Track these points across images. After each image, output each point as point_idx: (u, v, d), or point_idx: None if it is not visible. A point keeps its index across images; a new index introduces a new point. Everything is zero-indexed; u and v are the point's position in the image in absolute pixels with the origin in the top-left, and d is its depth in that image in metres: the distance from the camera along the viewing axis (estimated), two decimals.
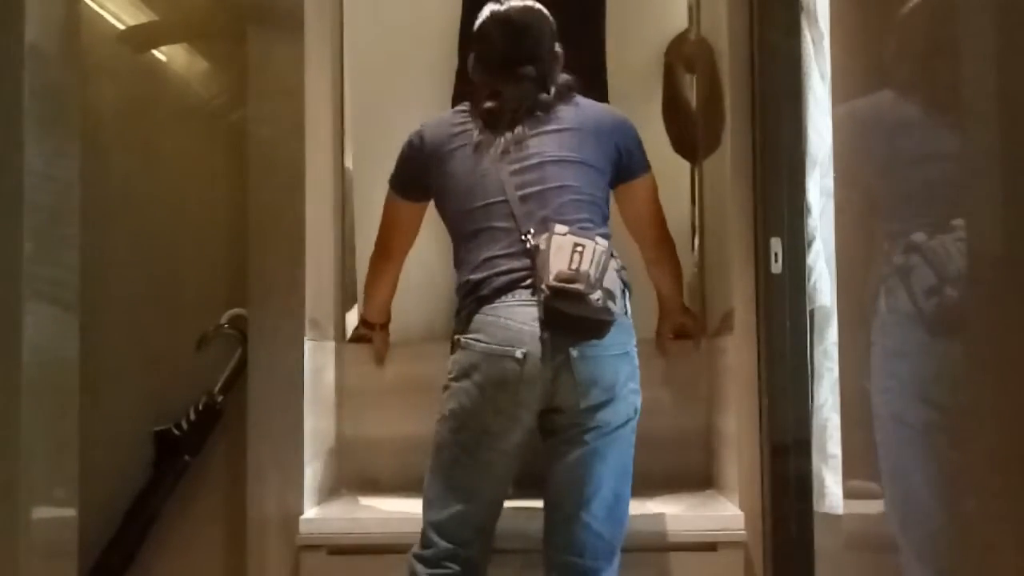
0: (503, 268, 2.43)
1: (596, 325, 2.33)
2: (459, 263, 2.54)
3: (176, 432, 3.10)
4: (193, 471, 3.13)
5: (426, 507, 2.48)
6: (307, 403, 2.81)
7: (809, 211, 2.54)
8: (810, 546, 2.52)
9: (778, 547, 2.64)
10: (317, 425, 2.91)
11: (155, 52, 3.38)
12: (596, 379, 2.36)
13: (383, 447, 3.16)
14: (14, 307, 1.74)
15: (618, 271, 2.43)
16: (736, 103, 2.81)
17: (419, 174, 2.64)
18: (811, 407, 2.52)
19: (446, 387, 2.45)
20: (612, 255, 2.42)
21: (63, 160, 1.89)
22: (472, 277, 2.46)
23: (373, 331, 3.13)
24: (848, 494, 2.10)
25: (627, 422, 2.42)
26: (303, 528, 2.73)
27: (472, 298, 2.44)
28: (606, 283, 2.34)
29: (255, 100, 2.88)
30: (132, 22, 3.33)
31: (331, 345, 3.13)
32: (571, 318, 2.32)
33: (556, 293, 2.31)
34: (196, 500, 3.15)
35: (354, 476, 3.18)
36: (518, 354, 2.35)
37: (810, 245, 2.54)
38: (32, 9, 1.78)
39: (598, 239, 2.38)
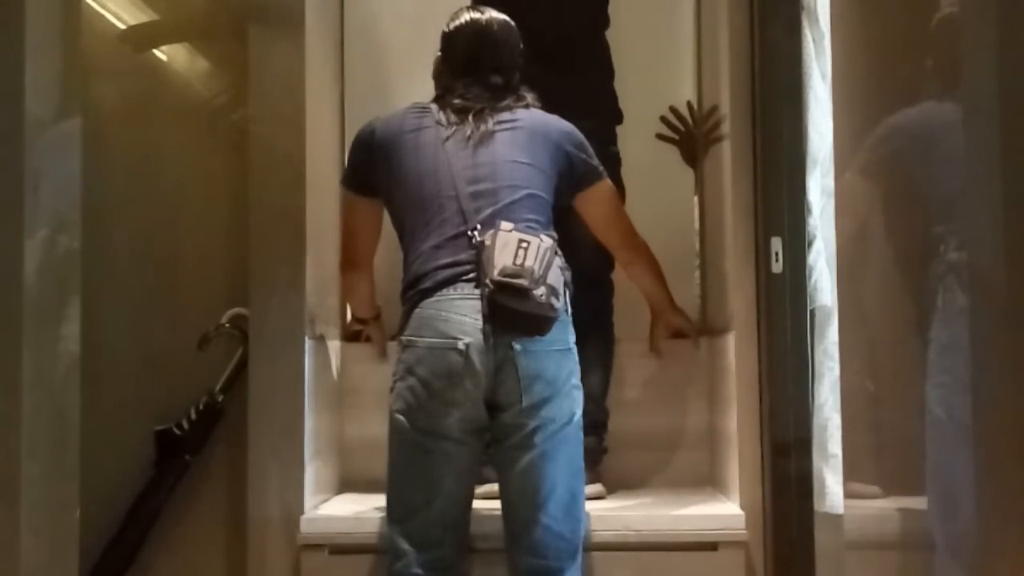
0: (447, 261, 2.46)
1: (539, 321, 2.36)
2: (406, 256, 2.57)
3: (177, 431, 3.10)
4: (194, 471, 3.13)
5: (391, 517, 2.50)
6: (308, 402, 2.80)
7: (810, 211, 2.54)
8: (811, 545, 2.52)
9: (779, 546, 2.64)
10: (318, 424, 2.91)
11: (155, 52, 3.38)
12: (539, 373, 2.40)
13: (384, 446, 3.16)
14: (15, 307, 1.74)
15: (561, 269, 2.45)
16: (736, 103, 2.81)
17: (368, 167, 2.67)
18: (812, 407, 2.52)
19: (391, 389, 2.48)
20: (556, 253, 2.44)
21: (64, 160, 1.88)
22: (416, 269, 2.49)
23: (367, 325, 3.14)
24: (848, 494, 2.10)
25: (572, 419, 2.45)
26: (304, 528, 2.73)
27: (415, 291, 2.47)
28: (550, 279, 2.37)
29: (255, 100, 2.88)
30: (132, 22, 3.32)
31: (332, 344, 3.13)
32: (514, 313, 2.35)
33: (501, 288, 2.35)
34: (197, 500, 3.15)
35: (355, 476, 3.18)
36: (460, 345, 2.38)
37: (811, 245, 2.54)
38: (32, 9, 1.78)
39: (543, 236, 2.42)
